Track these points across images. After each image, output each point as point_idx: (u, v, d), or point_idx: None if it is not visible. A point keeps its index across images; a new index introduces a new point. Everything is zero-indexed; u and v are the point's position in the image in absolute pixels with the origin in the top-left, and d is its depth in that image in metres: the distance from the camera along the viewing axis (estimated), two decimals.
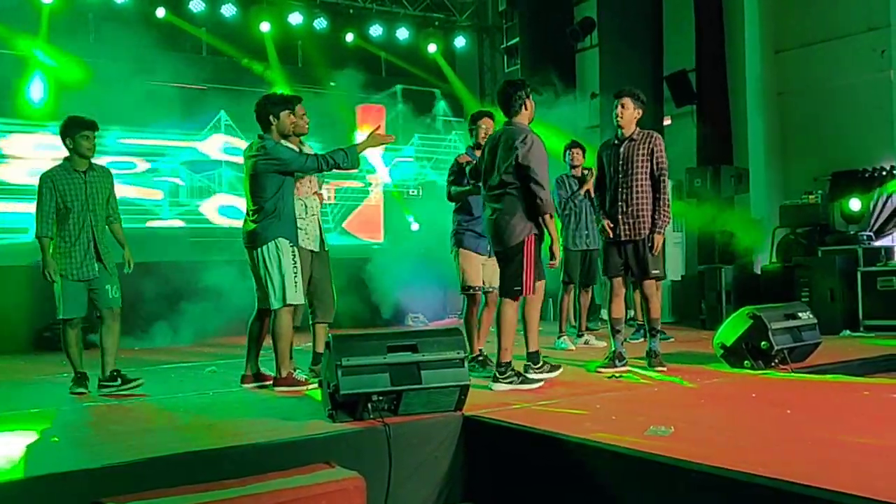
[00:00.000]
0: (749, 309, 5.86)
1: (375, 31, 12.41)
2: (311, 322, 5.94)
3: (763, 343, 5.64)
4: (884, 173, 9.24)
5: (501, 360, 5.24)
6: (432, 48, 12.93)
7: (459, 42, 13.35)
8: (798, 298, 8.06)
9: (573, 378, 5.72)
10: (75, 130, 5.62)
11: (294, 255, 5.47)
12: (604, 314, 9.59)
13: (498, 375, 5.23)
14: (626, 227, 5.89)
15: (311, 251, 5.81)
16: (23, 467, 3.51)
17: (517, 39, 12.74)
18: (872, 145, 9.48)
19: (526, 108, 5.37)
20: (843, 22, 9.94)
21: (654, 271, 5.92)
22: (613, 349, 6.01)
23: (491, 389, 5.16)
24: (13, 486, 3.25)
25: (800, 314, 6.02)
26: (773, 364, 5.68)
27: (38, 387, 6.45)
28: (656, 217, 5.86)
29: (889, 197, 9.03)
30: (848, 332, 8.05)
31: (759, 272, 9.74)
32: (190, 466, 3.52)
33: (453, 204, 6.30)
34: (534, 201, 5.17)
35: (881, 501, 2.61)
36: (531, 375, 5.34)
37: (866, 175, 9.37)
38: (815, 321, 6.10)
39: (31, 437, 4.19)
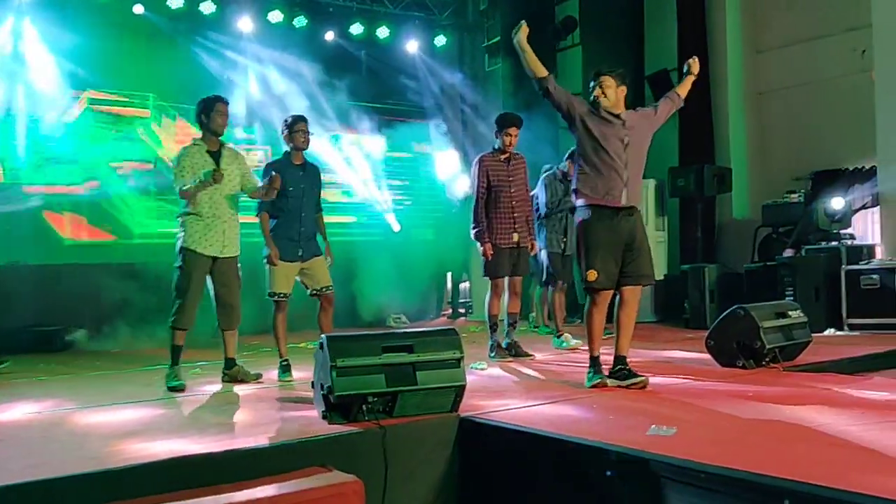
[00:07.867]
0: (740, 308, 5.84)
1: (356, 29, 12.29)
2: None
3: (755, 342, 5.63)
4: (864, 172, 9.31)
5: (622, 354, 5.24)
6: (412, 46, 12.84)
7: (440, 41, 13.25)
8: (782, 297, 8.06)
9: (568, 378, 5.67)
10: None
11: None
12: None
13: (614, 371, 5.18)
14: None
15: None
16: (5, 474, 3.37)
17: (498, 38, 12.66)
18: (853, 144, 9.54)
19: None
20: (824, 22, 10.00)
21: None
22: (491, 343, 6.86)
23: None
24: None
25: (790, 313, 6.02)
26: (764, 363, 5.68)
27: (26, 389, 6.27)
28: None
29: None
30: (832, 330, 8.08)
31: (742, 271, 9.77)
32: (183, 471, 3.41)
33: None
34: None
35: (883, 499, 2.59)
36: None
37: (847, 174, 9.43)
38: (806, 319, 6.11)
39: (16, 441, 4.06)
